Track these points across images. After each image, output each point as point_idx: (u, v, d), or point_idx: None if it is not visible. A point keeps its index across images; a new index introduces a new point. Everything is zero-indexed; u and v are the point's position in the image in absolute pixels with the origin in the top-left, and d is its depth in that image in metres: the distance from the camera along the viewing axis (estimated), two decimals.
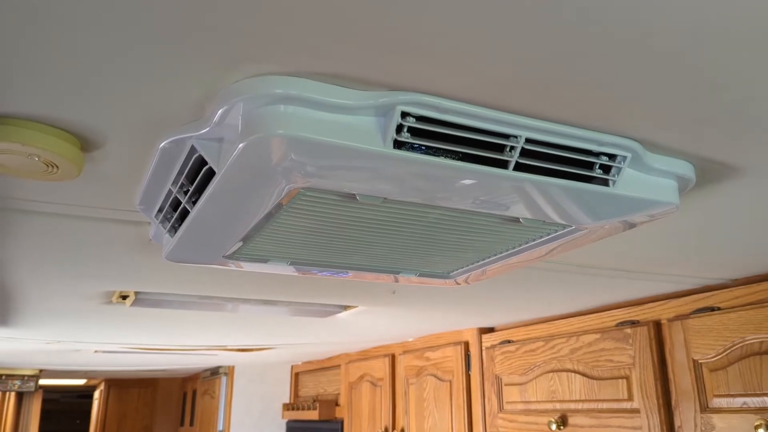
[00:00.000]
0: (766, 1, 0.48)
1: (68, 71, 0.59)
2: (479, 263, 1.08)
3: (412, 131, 0.65)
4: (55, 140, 0.70)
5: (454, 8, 0.49)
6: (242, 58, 0.57)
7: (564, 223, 0.86)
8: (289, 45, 0.55)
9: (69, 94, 0.63)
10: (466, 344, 2.42)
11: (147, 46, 0.54)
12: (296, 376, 4.21)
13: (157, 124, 0.70)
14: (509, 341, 2.22)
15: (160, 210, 0.91)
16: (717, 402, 1.52)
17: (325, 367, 3.72)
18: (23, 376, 4.87)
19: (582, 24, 0.51)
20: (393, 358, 2.90)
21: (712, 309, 1.56)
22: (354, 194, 0.74)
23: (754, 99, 0.65)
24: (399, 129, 0.64)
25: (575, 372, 1.92)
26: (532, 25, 0.52)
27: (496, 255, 1.03)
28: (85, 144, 0.74)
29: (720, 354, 1.51)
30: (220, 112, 0.64)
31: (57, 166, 0.73)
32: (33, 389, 4.95)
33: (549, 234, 0.92)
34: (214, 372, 4.48)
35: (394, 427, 2.81)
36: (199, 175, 0.75)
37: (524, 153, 0.70)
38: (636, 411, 1.70)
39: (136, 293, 1.65)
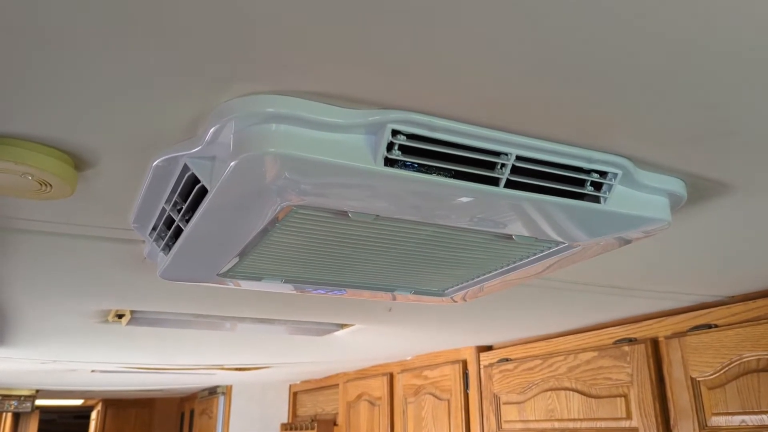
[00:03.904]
0: (751, 20, 0.49)
1: (61, 91, 0.59)
2: (474, 280, 1.08)
3: (403, 149, 0.65)
4: (48, 159, 0.70)
5: (443, 28, 0.50)
6: (234, 78, 0.57)
7: (557, 239, 0.86)
8: (280, 64, 0.55)
9: (62, 114, 0.63)
10: (464, 363, 2.41)
11: (139, 65, 0.55)
12: (294, 396, 4.18)
13: (150, 142, 0.70)
14: (507, 359, 2.21)
15: (154, 228, 0.91)
16: (715, 420, 1.51)
17: (323, 386, 3.70)
18: (20, 396, 4.84)
19: (571, 43, 0.52)
20: (391, 376, 2.89)
21: (709, 326, 1.56)
22: (346, 212, 0.74)
23: (743, 117, 0.65)
24: (390, 147, 0.64)
25: (573, 390, 1.91)
26: (521, 44, 0.52)
27: (490, 272, 1.03)
28: (78, 162, 0.75)
29: (718, 372, 1.51)
30: (212, 130, 0.64)
31: (50, 185, 0.74)
32: (29, 410, 4.91)
33: (542, 251, 0.92)
34: (212, 392, 4.45)
35: None
36: (192, 193, 0.75)
37: (515, 170, 0.71)
38: (635, 430, 1.69)
39: (132, 312, 1.64)
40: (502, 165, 0.69)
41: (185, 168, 0.73)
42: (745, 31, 0.51)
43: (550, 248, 0.90)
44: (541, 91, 0.60)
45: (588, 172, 0.75)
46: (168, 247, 0.90)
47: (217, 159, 0.68)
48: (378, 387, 2.96)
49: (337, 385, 3.48)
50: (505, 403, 2.19)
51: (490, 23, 0.49)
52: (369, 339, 2.15)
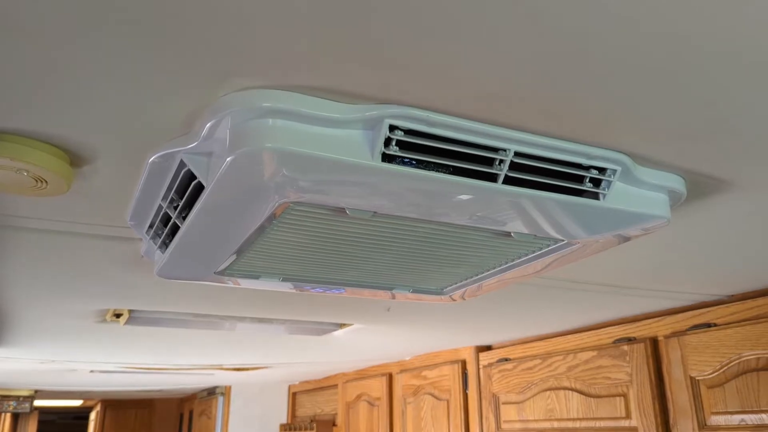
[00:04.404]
0: (749, 19, 0.49)
1: (57, 87, 0.59)
2: (473, 278, 1.07)
3: (401, 145, 0.65)
4: (43, 155, 0.70)
5: (442, 23, 0.49)
6: (230, 72, 0.57)
7: (556, 237, 0.85)
8: (277, 59, 0.55)
9: (58, 110, 0.63)
10: (464, 363, 2.40)
11: (135, 61, 0.54)
12: (293, 396, 4.17)
13: (146, 138, 0.70)
14: (506, 359, 2.21)
15: (150, 226, 0.90)
16: (715, 419, 1.50)
17: (322, 386, 3.69)
18: (18, 396, 4.83)
19: (569, 39, 0.52)
20: (390, 377, 2.88)
21: (708, 325, 1.56)
22: (344, 208, 0.74)
23: (742, 114, 0.65)
24: (387, 142, 0.64)
25: (572, 390, 1.91)
26: (520, 39, 0.52)
27: (489, 270, 1.02)
28: (74, 159, 0.74)
29: (717, 371, 1.50)
30: (208, 126, 0.64)
31: (46, 181, 0.73)
32: (28, 410, 4.90)
33: (541, 249, 0.92)
34: (211, 392, 4.45)
35: None
36: (188, 189, 0.75)
37: (514, 166, 0.70)
38: (634, 429, 1.69)
39: (130, 311, 1.64)
40: (501, 161, 0.69)
41: (181, 164, 0.73)
42: (742, 29, 0.50)
43: (549, 246, 0.90)
44: (540, 87, 0.60)
45: (587, 168, 0.74)
46: (165, 244, 0.90)
47: (213, 155, 0.68)
48: (377, 387, 2.95)
49: (336, 385, 3.48)
50: (504, 403, 2.18)
51: (489, 20, 0.49)
52: (368, 339, 2.14)
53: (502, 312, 1.72)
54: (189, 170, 0.72)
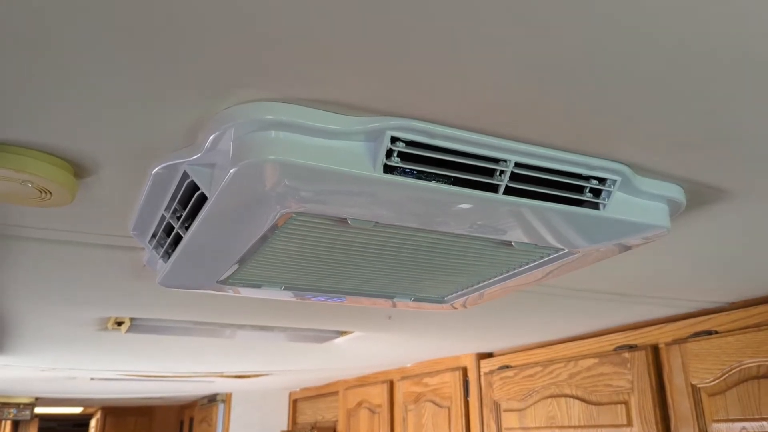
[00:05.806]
0: (748, 28, 0.49)
1: (61, 99, 0.59)
2: (474, 287, 1.08)
3: (403, 156, 0.65)
4: (47, 166, 0.70)
5: (442, 35, 0.50)
6: (233, 85, 0.58)
7: (557, 246, 0.86)
8: (280, 72, 0.55)
9: (61, 121, 0.63)
10: (465, 370, 2.40)
11: (138, 74, 0.55)
12: (294, 403, 4.17)
13: (150, 150, 0.70)
14: (508, 366, 2.21)
15: (153, 235, 0.91)
16: (716, 427, 1.50)
17: (323, 393, 3.69)
18: (19, 404, 4.82)
19: (570, 51, 0.52)
20: (391, 384, 2.88)
21: (709, 333, 1.56)
22: (345, 218, 0.74)
23: (740, 123, 0.66)
24: (389, 154, 0.64)
25: (574, 397, 1.91)
26: (519, 52, 0.52)
27: (490, 279, 1.03)
28: (78, 170, 0.75)
29: (718, 378, 1.50)
30: (211, 138, 0.64)
31: (50, 192, 0.74)
32: (29, 418, 4.89)
33: (542, 258, 0.92)
34: (212, 399, 4.44)
35: None
36: (191, 200, 0.75)
37: (514, 177, 0.71)
38: None
39: (132, 319, 1.64)
40: (501, 172, 0.70)
41: (185, 175, 0.73)
42: (742, 38, 0.51)
43: (549, 255, 0.90)
44: (539, 99, 0.60)
45: (587, 178, 0.75)
46: (167, 254, 0.90)
47: (216, 166, 0.68)
48: (378, 394, 2.95)
49: (337, 392, 3.47)
50: (505, 411, 2.18)
51: (490, 32, 0.49)
52: (369, 346, 2.14)
53: (503, 319, 1.72)
54: (192, 181, 0.72)
